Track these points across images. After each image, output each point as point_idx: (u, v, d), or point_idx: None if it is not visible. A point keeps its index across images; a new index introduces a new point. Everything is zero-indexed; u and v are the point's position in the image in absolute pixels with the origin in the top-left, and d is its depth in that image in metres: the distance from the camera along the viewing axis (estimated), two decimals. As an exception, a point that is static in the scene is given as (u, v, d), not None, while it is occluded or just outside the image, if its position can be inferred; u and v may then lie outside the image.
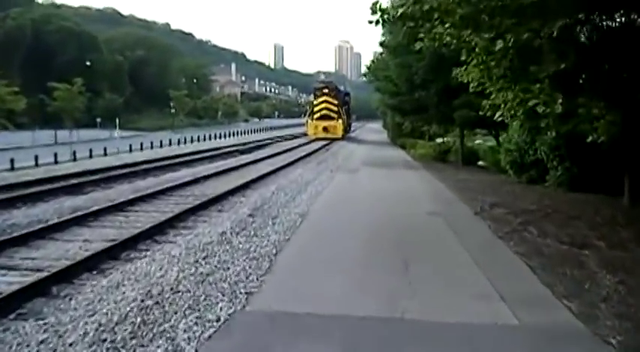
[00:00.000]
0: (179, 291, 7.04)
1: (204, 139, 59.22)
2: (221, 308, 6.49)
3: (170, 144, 50.98)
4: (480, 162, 29.26)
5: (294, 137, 61.91)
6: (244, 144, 46.35)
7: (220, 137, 64.05)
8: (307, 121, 62.05)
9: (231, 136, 67.43)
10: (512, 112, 10.89)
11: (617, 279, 8.06)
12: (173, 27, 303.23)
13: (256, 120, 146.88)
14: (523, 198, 16.37)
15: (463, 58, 12.05)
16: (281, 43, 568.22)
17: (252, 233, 10.59)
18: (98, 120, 76.25)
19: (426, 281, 7.82)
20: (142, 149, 43.78)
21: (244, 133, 74.80)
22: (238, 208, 13.63)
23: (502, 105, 11.42)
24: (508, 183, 20.39)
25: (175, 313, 6.30)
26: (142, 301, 6.62)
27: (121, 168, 24.20)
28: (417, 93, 26.43)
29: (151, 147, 46.06)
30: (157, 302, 6.61)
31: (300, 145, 45.72)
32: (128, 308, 6.35)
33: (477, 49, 10.75)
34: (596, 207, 14.87)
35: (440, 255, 9.47)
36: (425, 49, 25.35)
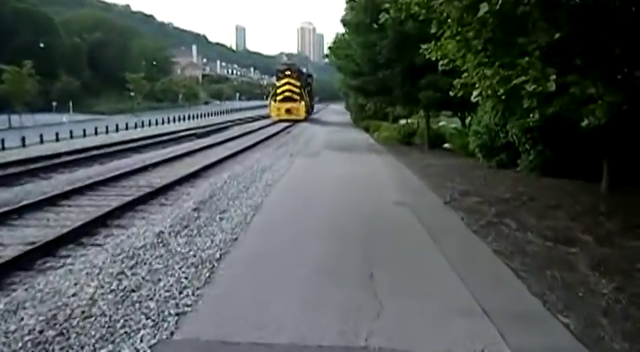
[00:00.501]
0: (92, 316, 5.64)
1: (163, 123, 57.45)
2: (142, 338, 5.15)
3: (127, 128, 48.99)
4: (446, 145, 28.19)
5: (255, 119, 60.79)
6: (203, 127, 45.18)
7: (179, 120, 62.24)
8: (270, 103, 62.21)
9: (191, 119, 65.60)
10: (490, 92, 9.57)
11: (614, 285, 6.98)
12: (134, 9, 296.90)
13: (217, 102, 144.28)
14: (495, 185, 15.29)
15: (433, 30, 10.69)
16: (243, 25, 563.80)
17: (195, 232, 9.24)
18: (54, 104, 73.79)
19: (394, 292, 6.56)
20: (96, 133, 41.71)
21: (204, 116, 72.88)
22: (184, 201, 12.22)
23: (478, 84, 10.10)
24: (477, 167, 19.32)
25: (81, 349, 4.94)
26: (41, 332, 5.23)
27: (68, 155, 22.61)
28: (380, 73, 25.11)
29: (106, 132, 44.01)
30: (61, 333, 5.23)
31: (260, 128, 44.57)
32: (19, 345, 4.96)
33: (449, 20, 9.42)
34: (573, 194, 13.94)
35: (409, 257, 8.24)
36: (388, 27, 24.29)
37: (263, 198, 12.54)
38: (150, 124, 54.38)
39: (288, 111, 57.35)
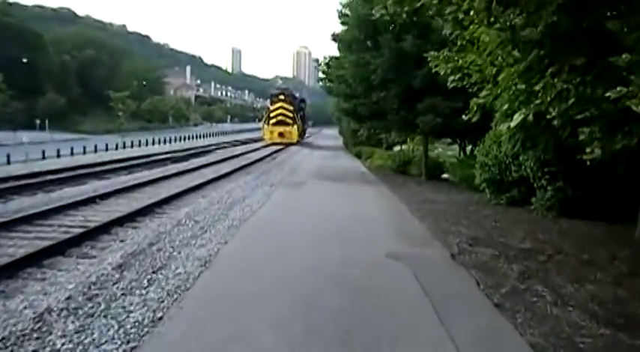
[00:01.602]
0: None
1: (147, 144, 55.35)
2: None
3: (107, 149, 46.20)
4: (445, 176, 25.58)
5: (243, 143, 58.39)
6: (185, 150, 42.80)
7: (164, 142, 59.54)
8: (264, 126, 62.93)
9: (177, 141, 62.76)
10: (525, 113, 6.80)
11: None
12: (130, 29, 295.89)
13: (209, 124, 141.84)
14: (510, 230, 12.60)
15: (448, 30, 8.01)
16: (239, 48, 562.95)
17: (102, 307, 6.45)
18: (37, 121, 71.38)
19: None
20: (71, 154, 38.89)
21: (191, 138, 70.07)
22: (112, 252, 9.32)
23: (509, 104, 7.41)
24: (484, 205, 16.68)
25: None
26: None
27: (17, 180, 19.79)
28: (374, 95, 22.49)
29: (83, 152, 41.27)
30: None
31: (245, 152, 42.09)
32: None
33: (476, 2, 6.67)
34: (604, 243, 11.40)
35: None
36: (384, 44, 21.75)
37: (220, 247, 9.77)
38: (132, 145, 51.78)
39: (280, 134, 58.25)
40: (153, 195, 16.76)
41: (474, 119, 9.79)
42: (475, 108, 9.31)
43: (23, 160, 31.98)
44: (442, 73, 9.50)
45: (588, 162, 6.97)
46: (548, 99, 5.95)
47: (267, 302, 6.80)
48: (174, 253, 9.20)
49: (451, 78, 9.38)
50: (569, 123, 6.63)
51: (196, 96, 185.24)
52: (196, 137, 73.86)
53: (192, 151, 41.17)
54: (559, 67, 5.81)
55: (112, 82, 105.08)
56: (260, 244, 10.30)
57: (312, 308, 6.75)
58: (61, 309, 6.21)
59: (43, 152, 36.65)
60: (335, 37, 24.97)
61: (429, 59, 10.59)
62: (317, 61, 29.14)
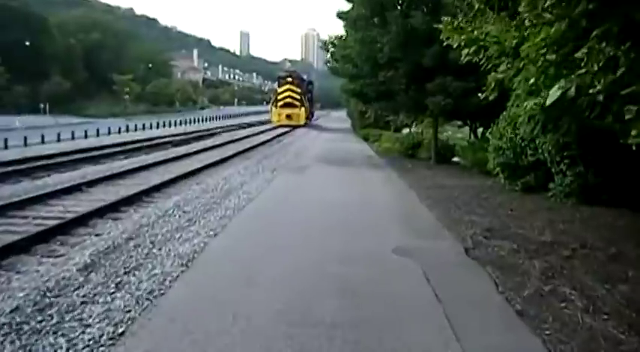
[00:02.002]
0: None
1: (151, 127, 54.47)
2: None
3: (109, 133, 45.09)
4: (456, 159, 24.47)
5: (250, 126, 57.56)
6: (188, 133, 41.89)
7: (169, 125, 58.63)
8: (271, 109, 63.84)
9: (182, 124, 61.72)
10: (563, 87, 5.61)
11: None
12: (137, 12, 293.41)
13: (216, 107, 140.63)
14: (527, 219, 11.56)
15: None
16: (247, 31, 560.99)
17: (54, 320, 5.44)
18: (42, 105, 70.70)
19: None
20: (72, 138, 37.84)
21: (198, 121, 69.16)
22: (79, 250, 8.24)
23: (538, 79, 6.30)
24: (498, 190, 15.62)
25: None
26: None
27: (5, 166, 18.85)
28: (381, 75, 21.31)
29: (85, 136, 40.32)
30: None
31: (250, 135, 41.37)
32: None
33: None
34: (632, 233, 10.39)
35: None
36: (392, 20, 20.57)
37: (207, 241, 8.77)
38: (136, 129, 50.91)
39: (288, 116, 58.92)
40: (144, 182, 15.82)
41: (491, 97, 8.67)
42: (493, 85, 8.16)
43: (21, 145, 30.97)
44: (455, 45, 8.32)
45: (634, 148, 5.83)
46: (595, 68, 4.84)
47: (251, 316, 5.75)
48: (154, 250, 8.21)
49: (465, 51, 8.23)
50: (605, 100, 5.51)
51: (204, 79, 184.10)
52: (202, 120, 72.97)
53: (196, 134, 40.37)
54: (608, 27, 4.67)
55: (119, 66, 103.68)
56: (252, 238, 9.28)
57: (305, 321, 5.72)
58: (1, 325, 5.22)
59: (42, 136, 35.70)
60: (340, 15, 23.74)
61: (439, 29, 9.40)
62: (324, 42, 27.97)
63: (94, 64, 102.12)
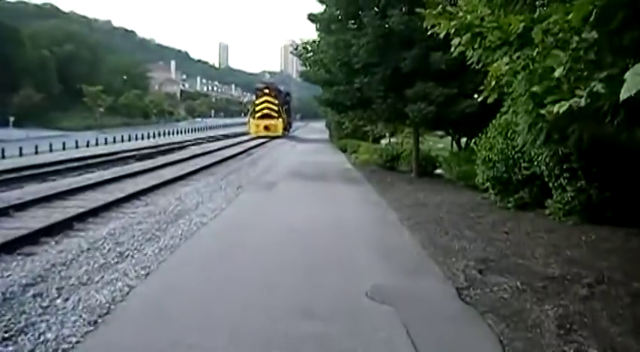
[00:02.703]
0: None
1: (122, 140, 52.58)
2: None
3: (77, 146, 43.04)
4: (439, 171, 22.77)
5: (225, 137, 56.52)
6: (157, 146, 40.23)
7: (142, 138, 56.73)
8: (249, 120, 64.93)
9: (154, 137, 59.97)
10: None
11: None
12: (115, 24, 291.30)
13: (194, 119, 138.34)
14: (527, 245, 9.86)
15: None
16: (226, 42, 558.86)
17: None
18: (11, 118, 68.32)
19: None
20: (20, 154, 35.39)
21: (170, 134, 67.43)
22: None
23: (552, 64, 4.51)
24: (488, 208, 13.92)
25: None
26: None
27: None
28: (357, 81, 19.51)
29: (50, 150, 38.35)
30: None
31: (221, 148, 39.76)
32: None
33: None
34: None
35: None
36: (368, 22, 18.82)
37: (133, 284, 6.90)
38: (106, 142, 49.12)
39: (266, 128, 59.54)
40: (85, 204, 13.85)
41: (490, 99, 6.93)
42: (493, 84, 6.36)
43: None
44: (443, 34, 6.53)
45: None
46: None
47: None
48: (58, 300, 6.30)
49: (456, 41, 6.44)
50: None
51: (182, 91, 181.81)
52: (176, 133, 71.03)
53: (165, 147, 38.54)
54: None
55: (93, 78, 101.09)
56: (189, 284, 7.28)
57: None
58: None
59: (2, 150, 33.61)
60: (312, 17, 21.88)
61: (421, 28, 7.64)
62: (295, 47, 25.68)
63: (68, 76, 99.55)
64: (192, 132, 78.35)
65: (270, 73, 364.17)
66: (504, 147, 13.58)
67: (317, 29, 22.36)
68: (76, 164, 25.14)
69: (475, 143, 23.22)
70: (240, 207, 13.68)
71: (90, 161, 26.82)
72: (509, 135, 13.49)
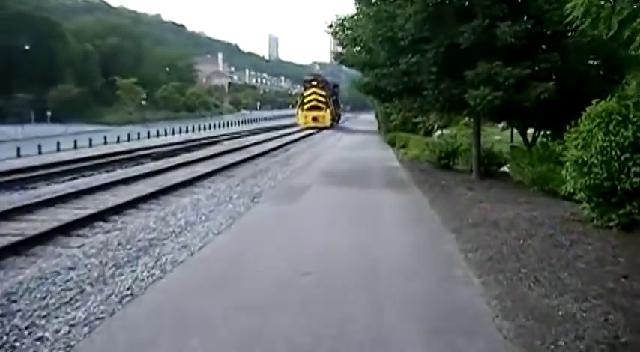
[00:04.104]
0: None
1: (157, 135, 50.28)
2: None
3: (106, 142, 40.37)
4: (505, 169, 18.84)
5: (266, 130, 55.72)
6: (190, 141, 38.42)
7: (179, 132, 54.56)
8: (298, 112, 66.00)
9: (194, 131, 57.28)
10: None
11: None
12: (165, 18, 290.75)
13: (245, 112, 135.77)
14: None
15: None
16: (276, 35, 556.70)
17: None
18: (48, 113, 66.51)
19: None
20: (58, 150, 33.37)
21: (211, 127, 65.06)
22: None
23: None
24: (582, 228, 10.07)
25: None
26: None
27: None
28: (403, 62, 15.61)
29: (74, 147, 35.61)
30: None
31: (256, 142, 37.01)
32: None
33: None
34: None
35: None
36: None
37: None
38: (139, 137, 46.42)
39: (314, 119, 60.58)
40: (55, 218, 10.60)
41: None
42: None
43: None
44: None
45: None
46: None
47: None
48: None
49: None
50: None
51: (229, 84, 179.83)
52: (216, 126, 68.34)
53: (194, 143, 35.61)
54: None
55: (138, 71, 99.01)
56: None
57: None
58: None
59: (19, 149, 30.95)
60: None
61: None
62: (330, 24, 21.37)
63: (112, 70, 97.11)
64: (234, 125, 75.66)
65: (319, 64, 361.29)
66: (606, 146, 9.65)
67: (356, 3, 18.45)
68: (86, 164, 22.41)
69: (549, 136, 19.27)
70: (241, 232, 10.11)
71: (102, 160, 23.88)
72: (613, 128, 9.63)
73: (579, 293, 6.54)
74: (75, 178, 18.91)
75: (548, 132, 19.12)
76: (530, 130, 20.13)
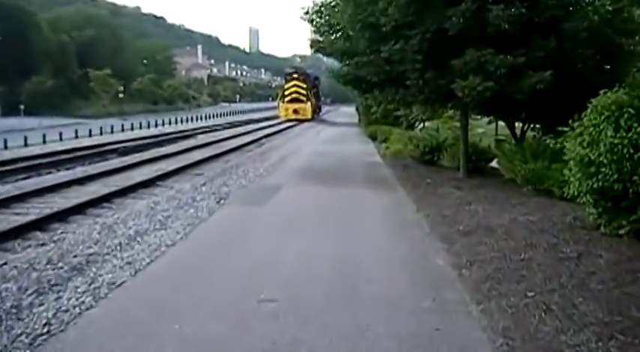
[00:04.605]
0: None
1: (132, 128, 48.40)
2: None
3: (77, 136, 38.60)
4: (494, 164, 17.63)
5: (244, 124, 55.12)
6: (163, 135, 37.40)
7: (155, 125, 52.91)
8: (279, 104, 66.55)
9: (169, 124, 55.69)
10: None
11: None
12: (144, 11, 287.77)
13: (224, 104, 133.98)
14: None
15: None
16: (257, 27, 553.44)
17: None
18: (21, 106, 64.35)
19: None
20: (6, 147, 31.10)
21: (187, 120, 63.53)
22: None
23: None
24: (587, 236, 8.87)
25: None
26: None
27: None
28: (385, 49, 14.22)
29: (41, 142, 33.74)
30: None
31: (231, 136, 35.76)
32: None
33: None
34: None
35: None
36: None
37: None
38: (112, 131, 44.45)
39: (295, 111, 61.15)
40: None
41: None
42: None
43: None
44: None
45: None
46: None
47: None
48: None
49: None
50: None
51: (209, 76, 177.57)
52: (193, 119, 66.76)
53: (167, 137, 34.21)
54: None
55: (115, 63, 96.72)
56: None
57: None
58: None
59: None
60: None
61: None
62: (305, 11, 19.36)
63: (90, 62, 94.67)
64: (211, 118, 74.37)
65: (300, 56, 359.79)
66: (617, 143, 8.40)
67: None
68: (42, 161, 20.72)
69: (540, 130, 18.03)
70: (199, 242, 8.77)
71: (63, 156, 22.31)
72: (624, 123, 8.41)
73: (602, 326, 5.32)
74: (28, 177, 17.40)
75: (537, 126, 17.93)
76: (518, 123, 18.84)
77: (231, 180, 15.44)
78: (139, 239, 8.61)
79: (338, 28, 17.14)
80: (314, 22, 18.03)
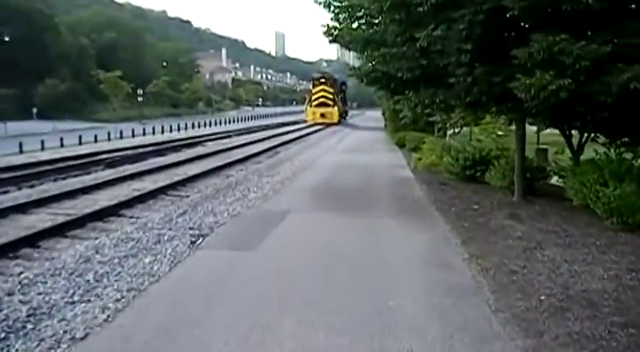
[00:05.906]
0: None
1: (144, 134, 45.55)
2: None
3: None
4: (555, 181, 14.28)
5: (262, 129, 52.09)
6: (168, 142, 33.92)
7: (170, 130, 49.90)
8: (306, 108, 68.24)
9: (184, 129, 53.03)
10: None
11: None
12: (170, 15, 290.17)
13: (247, 108, 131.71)
14: None
15: None
16: (282, 31, 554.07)
17: None
18: (34, 110, 62.69)
19: None
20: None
21: (204, 125, 60.88)
22: None
23: None
24: None
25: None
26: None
27: None
28: (420, 36, 10.70)
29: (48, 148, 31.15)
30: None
31: (245, 144, 32.18)
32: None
33: None
34: None
35: None
36: None
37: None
38: (121, 136, 41.63)
39: (322, 115, 62.46)
40: None
41: None
42: None
43: None
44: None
45: None
46: None
47: None
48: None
49: None
50: None
51: (233, 79, 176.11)
52: (211, 124, 64.33)
53: (173, 144, 31.37)
54: None
55: (136, 66, 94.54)
56: None
57: None
58: None
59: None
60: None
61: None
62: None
63: (110, 65, 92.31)
64: (231, 122, 71.61)
65: (326, 61, 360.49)
66: None
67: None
68: (28, 172, 17.73)
69: (608, 143, 14.27)
70: (127, 334, 5.43)
71: (40, 169, 19.15)
72: None
73: None
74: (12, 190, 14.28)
75: (598, 136, 14.09)
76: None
77: (224, 204, 12.14)
78: (28, 327, 5.29)
79: (360, 14, 13.67)
80: (330, 8, 14.49)
